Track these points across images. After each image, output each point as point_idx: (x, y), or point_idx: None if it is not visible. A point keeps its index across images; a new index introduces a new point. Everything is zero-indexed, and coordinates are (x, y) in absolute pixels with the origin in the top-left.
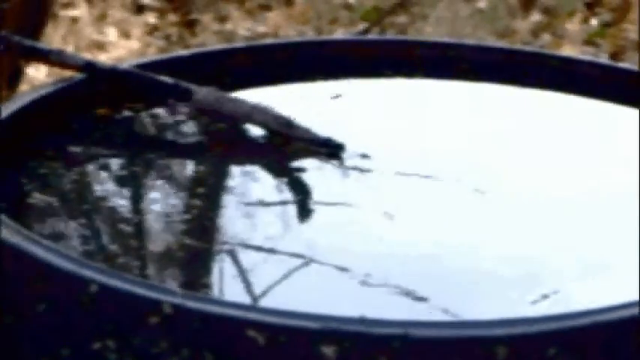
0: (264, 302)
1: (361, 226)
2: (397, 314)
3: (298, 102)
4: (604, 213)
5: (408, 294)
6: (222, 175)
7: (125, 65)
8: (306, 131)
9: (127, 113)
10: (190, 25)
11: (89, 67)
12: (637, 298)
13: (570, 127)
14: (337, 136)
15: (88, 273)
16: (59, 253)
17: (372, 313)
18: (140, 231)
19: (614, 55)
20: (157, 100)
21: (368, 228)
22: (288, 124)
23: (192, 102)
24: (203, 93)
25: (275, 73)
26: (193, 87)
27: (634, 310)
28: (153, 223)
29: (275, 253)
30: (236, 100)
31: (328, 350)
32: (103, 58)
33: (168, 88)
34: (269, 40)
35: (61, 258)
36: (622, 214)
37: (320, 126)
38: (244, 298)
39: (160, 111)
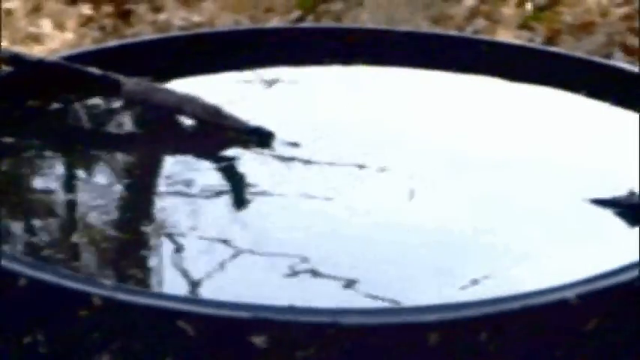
0: (196, 293)
1: (292, 213)
2: (329, 302)
3: (233, 91)
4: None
5: (341, 280)
6: (154, 165)
7: (53, 57)
8: (236, 120)
9: (57, 105)
10: (125, 15)
11: (16, 60)
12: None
13: (506, 110)
14: (270, 125)
15: (16, 266)
16: None
17: (304, 300)
18: (72, 223)
19: (550, 39)
20: (86, 91)
21: (298, 215)
22: (217, 113)
23: (121, 93)
24: (131, 84)
25: (209, 62)
26: (122, 78)
27: (565, 293)
28: (84, 214)
29: (207, 242)
30: (165, 91)
31: (259, 340)
32: (39, 50)
33: (96, 79)
34: (204, 30)
35: None
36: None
37: (254, 114)
38: (176, 289)
39: (92, 102)
